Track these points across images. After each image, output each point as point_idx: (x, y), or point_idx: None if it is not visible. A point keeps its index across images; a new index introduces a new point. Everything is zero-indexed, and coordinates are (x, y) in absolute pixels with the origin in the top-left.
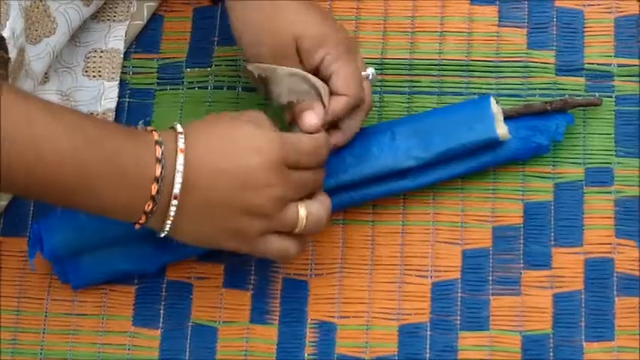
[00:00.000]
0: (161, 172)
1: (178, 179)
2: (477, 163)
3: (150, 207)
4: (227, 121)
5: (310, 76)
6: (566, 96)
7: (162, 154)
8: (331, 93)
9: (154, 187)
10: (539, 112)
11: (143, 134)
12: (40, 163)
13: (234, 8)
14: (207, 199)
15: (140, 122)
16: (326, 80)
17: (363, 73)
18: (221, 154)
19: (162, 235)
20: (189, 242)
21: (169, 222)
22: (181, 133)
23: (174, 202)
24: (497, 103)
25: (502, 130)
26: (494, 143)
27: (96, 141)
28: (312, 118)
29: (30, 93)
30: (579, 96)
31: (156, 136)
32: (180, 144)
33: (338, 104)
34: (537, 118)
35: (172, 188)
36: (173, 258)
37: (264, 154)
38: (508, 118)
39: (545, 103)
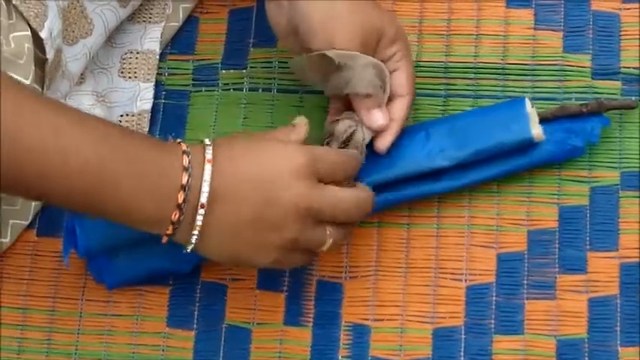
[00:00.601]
0: (188, 181)
1: (205, 188)
2: (512, 165)
3: (177, 216)
4: (255, 135)
5: (388, 72)
6: (602, 99)
7: (189, 162)
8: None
9: (181, 196)
10: (575, 114)
11: (171, 145)
12: (66, 173)
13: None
14: (234, 212)
15: (170, 136)
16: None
17: None
18: (248, 165)
19: (189, 249)
20: (214, 257)
21: (196, 233)
22: (209, 145)
23: (202, 211)
24: (532, 105)
25: (537, 130)
26: (529, 145)
27: (122, 149)
28: (380, 117)
29: (58, 101)
30: (615, 100)
31: (183, 146)
32: (208, 155)
33: (403, 105)
34: (572, 120)
35: (199, 197)
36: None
37: (291, 162)
38: (543, 120)
39: (581, 105)
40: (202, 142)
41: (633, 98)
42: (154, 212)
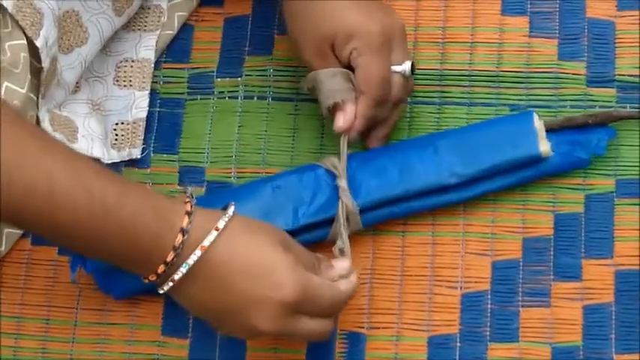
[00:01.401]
0: (172, 259)
1: (183, 270)
2: (518, 178)
3: (153, 278)
4: (268, 238)
5: (350, 72)
6: (611, 109)
7: (181, 243)
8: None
9: (161, 268)
10: (581, 125)
11: (172, 214)
12: (57, 219)
13: (286, 5)
14: (202, 296)
15: (190, 188)
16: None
17: (397, 68)
18: (240, 269)
19: (161, 291)
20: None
21: (166, 289)
22: (217, 229)
23: (170, 283)
24: (539, 118)
25: (545, 147)
26: (537, 160)
27: (114, 212)
28: (339, 120)
29: (54, 140)
30: (611, 107)
31: (185, 222)
32: (207, 242)
33: (360, 105)
34: (579, 131)
35: (175, 273)
36: None
37: (278, 293)
38: (549, 130)
39: (588, 116)
40: (215, 213)
41: (628, 106)
42: (135, 270)
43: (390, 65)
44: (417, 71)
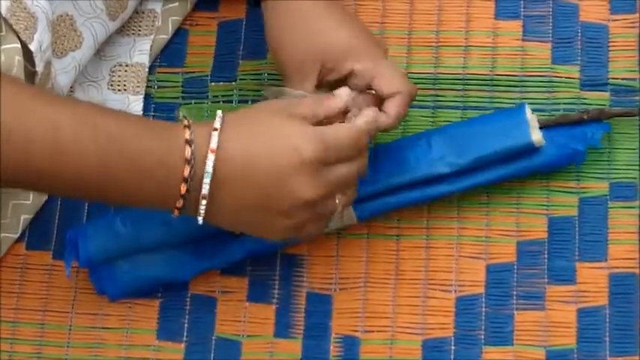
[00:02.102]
0: (190, 172)
1: (207, 180)
2: (514, 169)
3: (181, 204)
4: (267, 116)
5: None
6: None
7: (191, 153)
8: (381, 98)
9: (183, 187)
10: (576, 122)
11: (174, 130)
12: (66, 166)
13: (266, 9)
14: (239, 198)
15: (177, 110)
16: (366, 89)
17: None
18: (255, 154)
19: (200, 221)
20: (227, 228)
21: (201, 217)
22: (216, 129)
23: (204, 201)
24: (532, 110)
25: (537, 136)
26: (530, 150)
27: (120, 141)
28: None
29: (57, 95)
30: (616, 107)
31: (187, 134)
32: (213, 143)
33: (395, 102)
34: (574, 127)
35: (201, 188)
36: (210, 266)
37: (301, 155)
38: (545, 127)
39: (582, 112)
40: (210, 122)
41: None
42: (156, 200)
43: (395, 63)
44: (410, 75)
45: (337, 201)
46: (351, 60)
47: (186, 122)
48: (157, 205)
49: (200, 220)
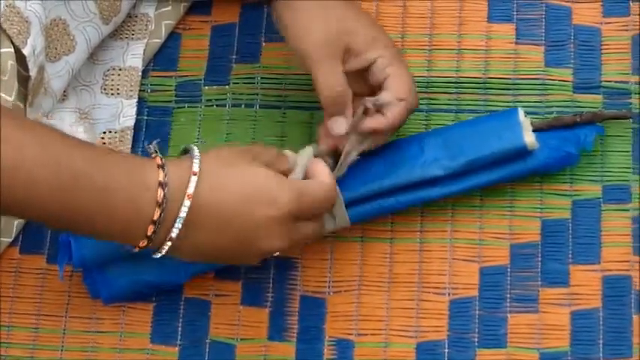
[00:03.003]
0: (160, 216)
1: (178, 225)
2: (507, 172)
3: (144, 244)
4: (245, 163)
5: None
6: (597, 109)
7: (164, 197)
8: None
9: (150, 229)
10: (569, 125)
11: (146, 169)
12: (31, 193)
13: (283, 7)
14: (205, 242)
15: (154, 142)
16: (378, 84)
17: None
18: (230, 201)
19: (158, 256)
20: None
21: (160, 254)
22: (195, 174)
23: (169, 243)
24: (525, 114)
25: (530, 138)
26: (524, 152)
27: (85, 179)
28: (341, 124)
29: (28, 119)
30: (609, 110)
31: (161, 176)
32: (191, 189)
33: (397, 109)
34: (567, 129)
35: (170, 232)
36: (205, 269)
37: (275, 207)
38: (538, 129)
39: (575, 115)
40: (185, 152)
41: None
42: (123, 238)
43: (411, 74)
44: None
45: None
46: (376, 49)
47: (159, 161)
48: (119, 241)
49: (158, 255)
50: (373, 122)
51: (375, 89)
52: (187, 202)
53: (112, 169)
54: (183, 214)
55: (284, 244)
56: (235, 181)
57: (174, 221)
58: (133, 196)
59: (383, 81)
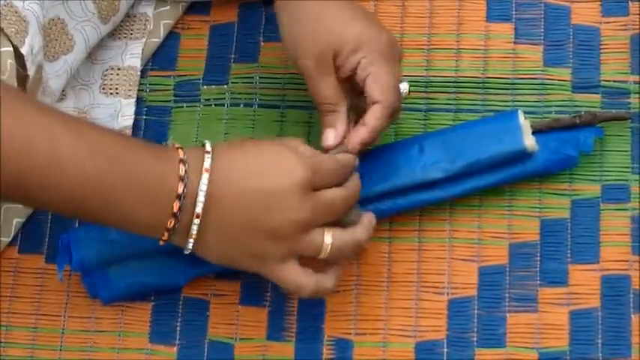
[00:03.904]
0: (183, 190)
1: (201, 198)
2: (506, 175)
3: (172, 224)
4: (256, 144)
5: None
6: (596, 110)
7: (185, 172)
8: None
9: (176, 205)
10: (568, 126)
11: (168, 151)
12: (62, 182)
13: (278, 7)
14: (230, 219)
15: (167, 142)
16: (361, 85)
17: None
18: (247, 174)
19: (187, 251)
20: (212, 260)
21: (192, 240)
22: (209, 152)
23: (197, 220)
24: (525, 116)
25: (530, 141)
26: (523, 155)
27: (119, 160)
28: (329, 138)
29: (54, 109)
30: (608, 111)
31: (181, 154)
32: (207, 163)
33: (374, 114)
34: (566, 131)
35: (195, 206)
36: (204, 271)
37: (291, 176)
38: (537, 131)
39: (574, 117)
40: (203, 146)
41: (613, 111)
42: (149, 219)
43: (399, 74)
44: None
45: (324, 239)
46: (361, 52)
47: (177, 145)
48: (148, 225)
49: (190, 243)
50: (356, 138)
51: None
52: (206, 175)
53: (140, 151)
54: (203, 186)
55: (304, 213)
56: (248, 155)
57: (197, 195)
58: (158, 174)
59: (364, 81)
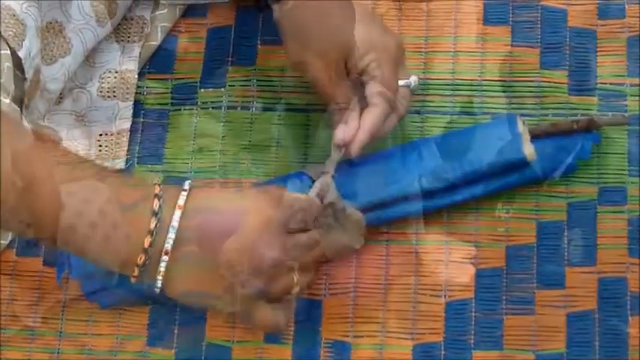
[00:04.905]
0: (156, 225)
1: (171, 234)
2: (503, 183)
3: (142, 260)
4: (237, 188)
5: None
6: (593, 115)
7: (159, 207)
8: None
9: (147, 240)
10: (566, 131)
11: (146, 187)
12: (37, 218)
13: (280, 12)
14: (201, 255)
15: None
16: (364, 84)
17: (403, 82)
18: (220, 213)
19: (157, 290)
20: (179, 299)
21: (160, 277)
22: (185, 190)
23: (165, 257)
24: (523, 122)
25: (529, 150)
26: (522, 164)
27: (93, 201)
28: (339, 132)
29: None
30: (606, 116)
31: (157, 189)
32: (181, 200)
33: (371, 116)
34: (564, 137)
35: (164, 243)
36: None
37: (269, 215)
38: (534, 136)
39: (572, 121)
40: (179, 186)
41: (610, 114)
42: (123, 255)
43: (403, 76)
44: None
45: (295, 280)
46: (369, 55)
47: (157, 190)
48: (122, 260)
49: (159, 281)
50: (356, 144)
51: None
52: (178, 212)
53: (117, 186)
54: (175, 223)
55: (277, 253)
56: (224, 195)
57: (167, 231)
58: (131, 208)
59: (367, 83)
